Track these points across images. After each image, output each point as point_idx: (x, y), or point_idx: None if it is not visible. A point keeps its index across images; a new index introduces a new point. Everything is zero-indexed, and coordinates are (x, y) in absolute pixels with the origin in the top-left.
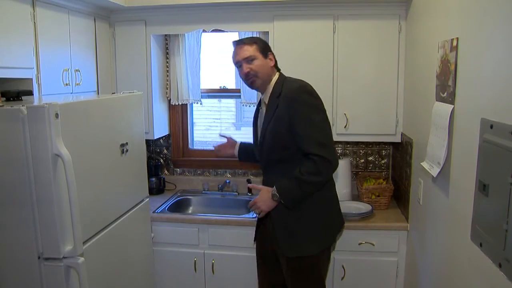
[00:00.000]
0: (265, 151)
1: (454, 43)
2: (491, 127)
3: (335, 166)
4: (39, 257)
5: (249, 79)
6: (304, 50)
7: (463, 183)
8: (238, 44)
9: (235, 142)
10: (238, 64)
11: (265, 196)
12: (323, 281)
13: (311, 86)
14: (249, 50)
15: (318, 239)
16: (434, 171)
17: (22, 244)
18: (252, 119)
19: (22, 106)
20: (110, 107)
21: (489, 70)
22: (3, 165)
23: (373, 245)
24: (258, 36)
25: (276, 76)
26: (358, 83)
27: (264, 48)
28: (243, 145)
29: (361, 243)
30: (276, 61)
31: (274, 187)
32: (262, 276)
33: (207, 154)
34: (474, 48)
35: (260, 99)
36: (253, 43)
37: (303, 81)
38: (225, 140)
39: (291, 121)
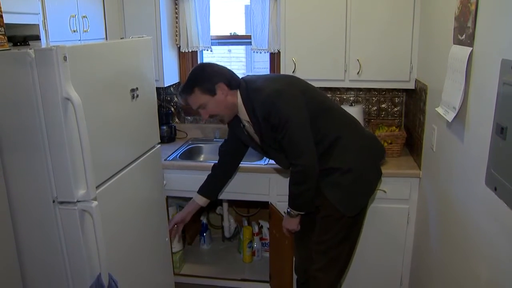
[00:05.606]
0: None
1: None
2: None
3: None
4: (53, 201)
5: (216, 119)
6: None
7: (480, 128)
8: (181, 96)
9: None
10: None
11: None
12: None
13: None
14: (194, 100)
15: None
16: (450, 116)
17: (37, 188)
18: (233, 130)
19: (30, 49)
20: (119, 51)
21: None
22: (13, 110)
23: (385, 192)
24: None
25: (239, 95)
26: (371, 27)
27: (206, 86)
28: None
29: None
30: (229, 84)
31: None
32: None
33: None
34: None
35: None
36: (191, 91)
37: (265, 85)
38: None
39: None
